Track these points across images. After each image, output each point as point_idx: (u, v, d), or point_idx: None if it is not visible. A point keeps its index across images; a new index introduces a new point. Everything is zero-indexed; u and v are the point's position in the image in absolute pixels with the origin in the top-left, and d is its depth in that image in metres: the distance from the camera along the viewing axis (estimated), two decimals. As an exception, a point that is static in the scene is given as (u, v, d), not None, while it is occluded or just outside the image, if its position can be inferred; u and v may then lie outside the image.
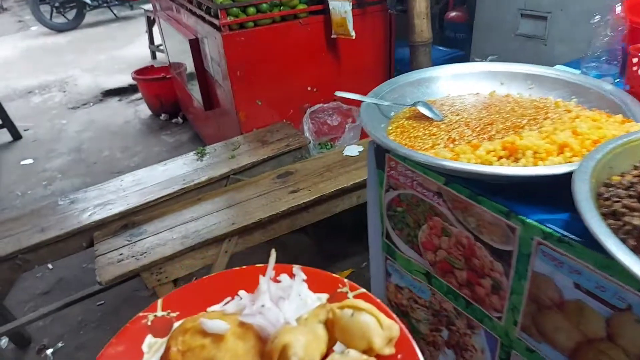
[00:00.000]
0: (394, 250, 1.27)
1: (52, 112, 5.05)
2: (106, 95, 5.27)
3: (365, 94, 1.22)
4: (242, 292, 0.44)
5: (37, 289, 2.65)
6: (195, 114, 3.56)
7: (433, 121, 1.16)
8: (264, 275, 0.43)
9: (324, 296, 0.46)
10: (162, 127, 4.39)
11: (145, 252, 1.68)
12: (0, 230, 1.89)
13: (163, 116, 4.46)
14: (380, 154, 1.17)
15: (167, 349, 0.38)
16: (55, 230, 1.81)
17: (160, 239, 1.74)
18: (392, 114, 1.24)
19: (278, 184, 1.99)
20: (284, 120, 2.51)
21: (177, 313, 0.43)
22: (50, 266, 2.80)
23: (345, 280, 0.47)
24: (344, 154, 2.13)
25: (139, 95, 4.97)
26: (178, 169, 2.16)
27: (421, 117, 1.19)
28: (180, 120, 4.37)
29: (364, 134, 2.41)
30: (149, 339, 0.42)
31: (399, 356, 0.39)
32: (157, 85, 4.28)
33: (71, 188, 3.54)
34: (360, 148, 2.15)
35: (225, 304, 0.45)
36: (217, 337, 0.36)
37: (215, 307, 0.44)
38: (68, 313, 2.41)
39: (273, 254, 0.48)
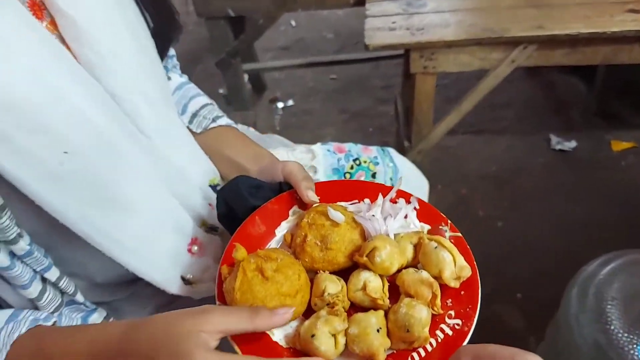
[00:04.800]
0: None
1: None
2: None
3: None
4: (366, 200, 0.59)
5: (278, 42, 2.64)
6: None
7: None
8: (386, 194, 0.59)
9: (426, 227, 0.57)
10: None
11: (423, 29, 1.37)
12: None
13: None
14: None
15: (301, 219, 0.55)
16: (329, -27, 1.59)
17: (443, 20, 1.40)
18: None
19: (611, -5, 1.42)
20: None
21: (318, 198, 0.58)
22: (293, 23, 2.74)
23: (449, 221, 0.57)
24: None
25: None
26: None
27: None
28: None
29: None
30: (295, 208, 0.60)
31: (462, 292, 0.49)
32: None
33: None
34: None
35: (351, 204, 0.59)
36: (335, 224, 0.53)
37: (343, 204, 0.59)
38: (302, 75, 2.37)
39: (399, 182, 0.62)
